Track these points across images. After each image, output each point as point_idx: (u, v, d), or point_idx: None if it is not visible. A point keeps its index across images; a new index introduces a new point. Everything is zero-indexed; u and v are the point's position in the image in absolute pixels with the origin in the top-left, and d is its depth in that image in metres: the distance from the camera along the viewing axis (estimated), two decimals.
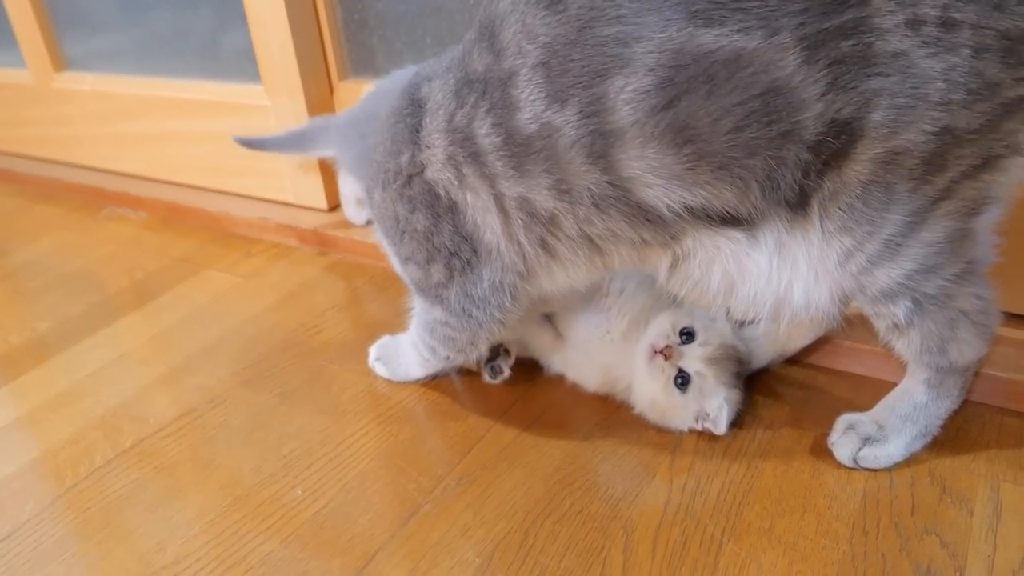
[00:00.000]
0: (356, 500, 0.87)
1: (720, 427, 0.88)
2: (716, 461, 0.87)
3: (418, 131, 0.82)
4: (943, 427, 0.85)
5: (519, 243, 0.80)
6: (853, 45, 0.62)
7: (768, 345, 0.97)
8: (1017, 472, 0.82)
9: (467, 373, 1.04)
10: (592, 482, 0.86)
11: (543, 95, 0.70)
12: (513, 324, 0.91)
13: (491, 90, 0.74)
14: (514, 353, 1.02)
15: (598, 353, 0.97)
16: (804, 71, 0.63)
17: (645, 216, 0.73)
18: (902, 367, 0.84)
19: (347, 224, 1.43)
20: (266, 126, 1.46)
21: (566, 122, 0.70)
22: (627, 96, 0.66)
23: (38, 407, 1.09)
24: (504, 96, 0.73)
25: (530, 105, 0.71)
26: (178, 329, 1.25)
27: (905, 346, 0.79)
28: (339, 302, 1.28)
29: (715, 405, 0.88)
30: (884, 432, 0.84)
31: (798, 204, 0.70)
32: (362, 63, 1.41)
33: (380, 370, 1.06)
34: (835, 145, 0.66)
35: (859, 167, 0.67)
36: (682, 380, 0.89)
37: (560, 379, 1.02)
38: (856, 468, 0.84)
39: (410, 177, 0.84)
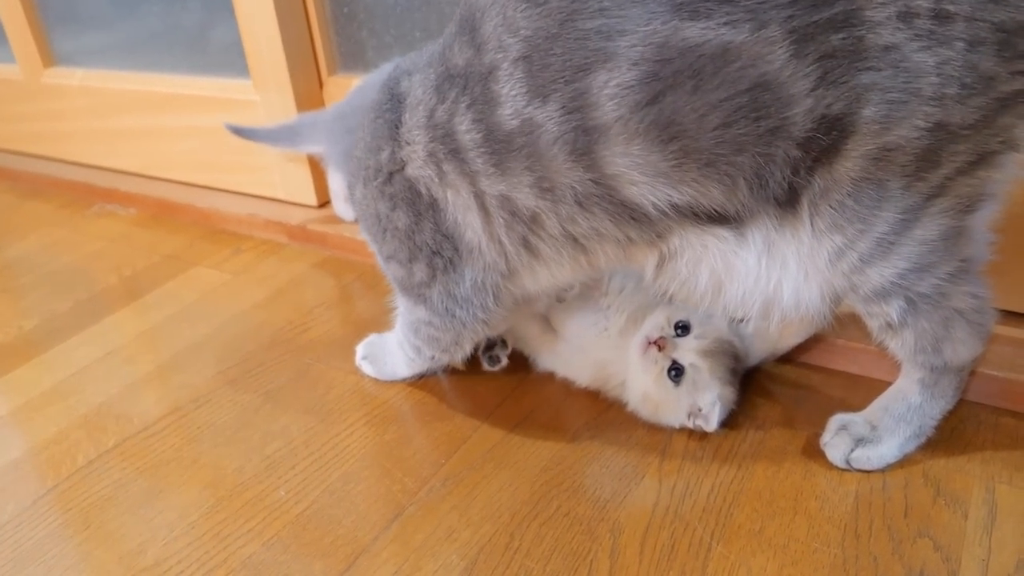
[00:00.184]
0: (340, 501, 0.86)
1: (711, 424, 0.87)
2: (706, 462, 0.86)
3: (398, 127, 0.81)
4: (937, 427, 0.83)
5: (501, 242, 0.79)
6: (843, 38, 0.60)
7: (760, 343, 0.96)
8: (1013, 473, 0.81)
9: (455, 372, 1.02)
10: (580, 483, 0.85)
11: (524, 90, 0.68)
12: (497, 324, 0.89)
13: (471, 85, 0.72)
14: (511, 343, 1.01)
15: (593, 349, 0.96)
16: (793, 65, 0.61)
17: (630, 214, 0.71)
18: (896, 366, 0.83)
19: (337, 220, 1.41)
20: (255, 121, 1.44)
21: (548, 118, 0.68)
22: (611, 91, 0.65)
23: (22, 406, 1.08)
24: (485, 91, 0.71)
25: (511, 101, 0.69)
26: (165, 327, 1.24)
27: (899, 346, 0.78)
28: (328, 299, 1.27)
29: (708, 400, 0.87)
30: (877, 433, 0.83)
31: (787, 202, 0.68)
32: (351, 57, 1.39)
33: (367, 369, 1.05)
34: (825, 141, 0.64)
35: (850, 164, 0.65)
36: (676, 372, 0.87)
37: (549, 378, 1.01)
38: (848, 469, 0.83)
39: (390, 174, 0.83)
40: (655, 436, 0.90)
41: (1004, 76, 0.61)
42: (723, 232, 0.71)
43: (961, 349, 0.76)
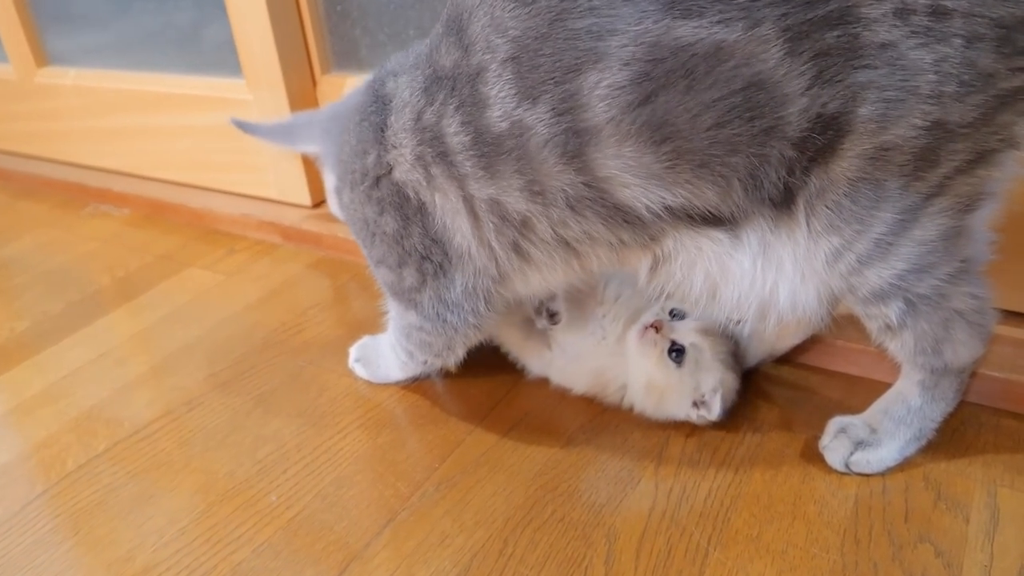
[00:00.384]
0: (331, 507, 0.84)
1: (714, 411, 0.85)
2: (703, 466, 0.85)
3: (383, 130, 0.79)
4: (938, 430, 0.82)
5: (491, 247, 0.78)
6: (839, 36, 0.59)
7: (757, 344, 0.95)
8: (1015, 476, 0.80)
9: (449, 375, 1.01)
10: (574, 488, 0.84)
11: (513, 92, 0.67)
12: (488, 328, 0.88)
13: (460, 87, 0.71)
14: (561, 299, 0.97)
15: (591, 357, 0.95)
16: (787, 64, 0.60)
17: (623, 217, 0.70)
18: (896, 368, 0.82)
19: (331, 221, 1.39)
20: (248, 119, 1.42)
21: (538, 120, 0.67)
22: (602, 92, 0.63)
23: (12, 409, 1.07)
24: (473, 93, 0.70)
25: (500, 102, 0.68)
26: (158, 328, 1.23)
27: (898, 347, 0.77)
28: (322, 300, 1.26)
29: (711, 384, 0.86)
30: (877, 436, 0.81)
31: (783, 203, 0.67)
32: (345, 56, 1.38)
33: (360, 371, 1.04)
34: (821, 141, 0.63)
35: (846, 164, 0.64)
36: (677, 353, 0.87)
37: (544, 382, 1.00)
38: (848, 473, 0.82)
39: (377, 178, 0.81)
40: (651, 440, 0.89)
41: (1003, 73, 0.60)
42: (718, 234, 0.70)
43: (961, 350, 0.75)
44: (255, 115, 1.42)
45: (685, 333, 0.88)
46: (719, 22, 0.59)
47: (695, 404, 0.87)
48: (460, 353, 0.92)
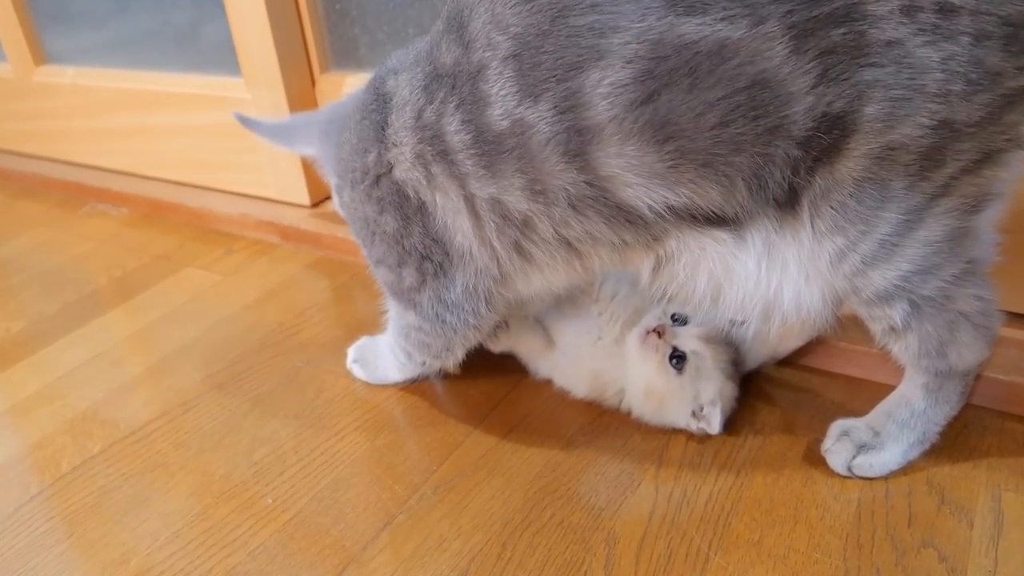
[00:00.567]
0: (328, 509, 0.84)
1: (714, 425, 0.85)
2: (704, 469, 0.84)
3: (384, 128, 0.79)
4: (942, 433, 0.81)
5: (492, 247, 0.77)
6: (845, 34, 0.58)
7: (759, 347, 0.94)
8: (1020, 480, 0.79)
9: (448, 376, 1.00)
10: (574, 491, 0.83)
11: (515, 90, 0.66)
12: (489, 329, 0.87)
13: (460, 85, 0.70)
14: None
15: (588, 359, 0.94)
16: (793, 62, 0.59)
17: (626, 217, 0.69)
18: (899, 370, 0.81)
19: (330, 220, 1.39)
20: None
21: (539, 118, 0.66)
22: (604, 90, 0.63)
23: (7, 410, 1.06)
24: (473, 91, 0.69)
25: (501, 100, 0.67)
26: (154, 329, 1.22)
27: (902, 350, 0.76)
28: (320, 301, 1.25)
29: (711, 394, 0.85)
30: (880, 439, 0.80)
31: (787, 203, 0.66)
32: (344, 55, 1.37)
33: (358, 372, 1.03)
34: (826, 141, 0.62)
35: (852, 163, 0.63)
36: (678, 359, 0.86)
37: (543, 383, 0.99)
38: (850, 477, 0.81)
39: (378, 177, 0.81)
40: (652, 442, 0.88)
41: (1011, 72, 0.59)
42: (721, 234, 0.69)
43: (966, 353, 0.74)
44: (253, 114, 1.40)
45: (687, 339, 0.87)
46: (723, 19, 0.58)
47: (694, 414, 0.86)
48: (459, 354, 0.91)
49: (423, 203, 0.78)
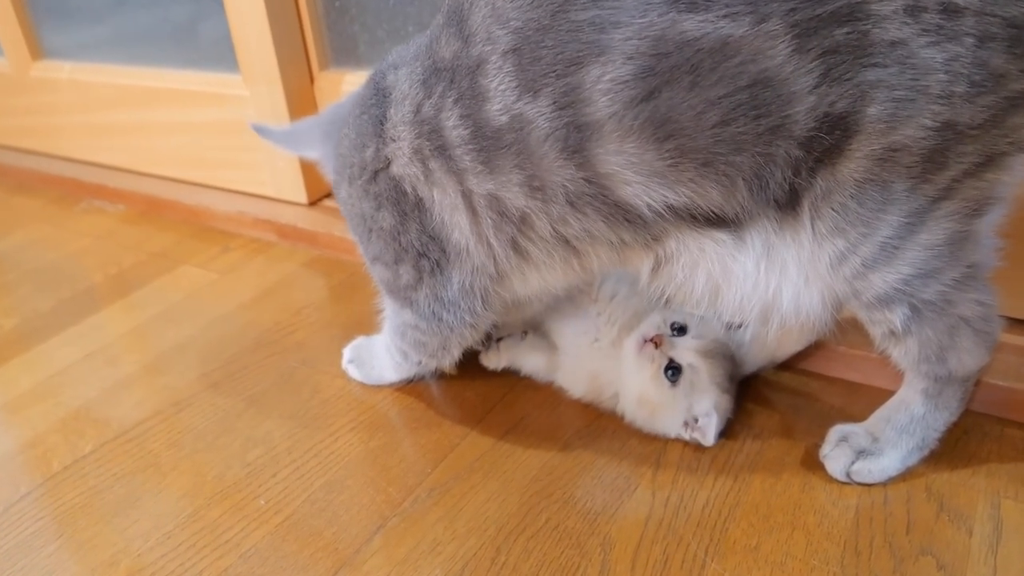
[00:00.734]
0: (321, 512, 0.83)
1: (708, 437, 0.84)
2: (701, 473, 0.83)
3: (383, 123, 0.78)
4: (941, 439, 0.80)
5: (489, 244, 0.76)
6: (848, 33, 0.57)
7: (758, 350, 0.93)
8: (1019, 488, 0.78)
9: (444, 377, 0.99)
10: (570, 494, 0.82)
11: (514, 84, 0.65)
12: (485, 328, 0.86)
13: (459, 79, 0.69)
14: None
15: (587, 360, 0.93)
16: (795, 61, 0.58)
17: (624, 216, 0.68)
18: (898, 375, 0.80)
19: (328, 219, 1.39)
20: (244, 116, 1.41)
21: (539, 114, 0.65)
22: (604, 86, 0.62)
23: None
24: (472, 85, 0.68)
25: (500, 95, 0.66)
26: (149, 327, 1.21)
27: (902, 354, 0.75)
28: (316, 300, 1.24)
29: (705, 407, 0.84)
30: (879, 445, 0.80)
31: (788, 204, 0.66)
32: (343, 52, 1.36)
33: (353, 372, 1.02)
34: (828, 141, 0.61)
35: (853, 164, 0.62)
36: (673, 372, 0.85)
37: (540, 385, 0.98)
38: (849, 482, 0.80)
39: (375, 172, 0.80)
40: (649, 446, 0.87)
41: (1015, 74, 0.59)
42: (721, 235, 0.69)
43: (967, 359, 0.74)
44: (251, 111, 1.41)
45: (684, 352, 0.86)
46: (726, 16, 0.58)
47: (686, 424, 0.85)
48: (455, 354, 0.90)
49: (420, 199, 0.77)
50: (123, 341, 1.18)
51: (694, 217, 0.68)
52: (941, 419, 0.79)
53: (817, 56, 0.58)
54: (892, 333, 0.73)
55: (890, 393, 0.83)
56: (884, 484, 0.80)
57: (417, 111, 0.74)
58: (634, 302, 0.93)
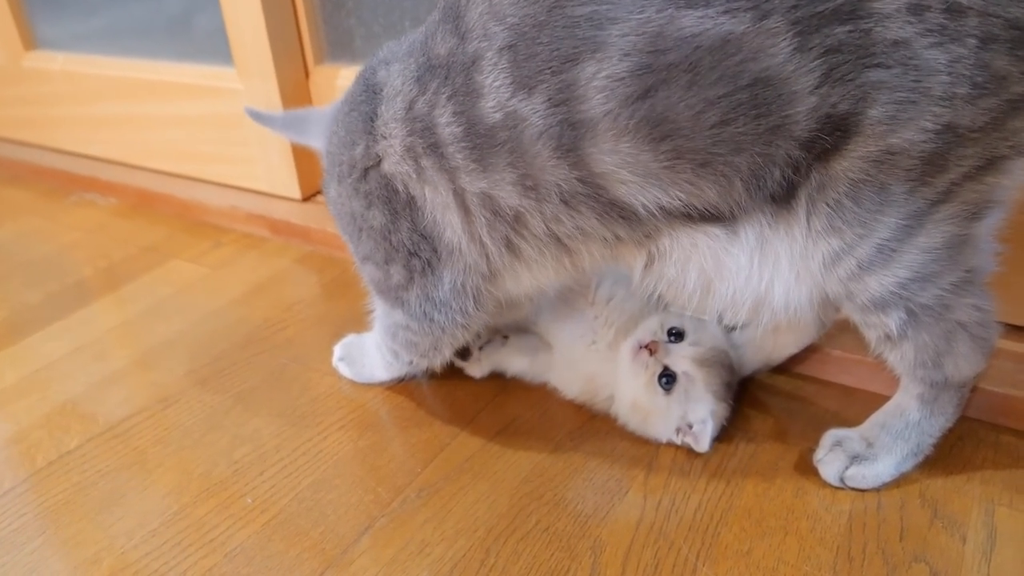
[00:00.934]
0: (308, 511, 0.81)
1: (702, 444, 0.83)
2: (694, 477, 0.82)
3: (373, 120, 0.76)
4: (936, 445, 0.80)
5: (482, 243, 0.75)
6: (850, 32, 0.56)
7: (753, 353, 0.92)
8: (1013, 495, 0.77)
9: (436, 376, 0.98)
10: (561, 496, 0.81)
11: (509, 81, 0.64)
12: (477, 329, 0.85)
13: (453, 75, 0.68)
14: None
15: (582, 362, 0.92)
16: (797, 60, 0.57)
17: (619, 213, 0.67)
18: (894, 379, 0.79)
19: (321, 215, 1.37)
20: (238, 110, 1.39)
21: (533, 111, 0.64)
22: (600, 83, 0.61)
23: None
24: (467, 82, 0.67)
25: (494, 92, 0.65)
26: (138, 322, 1.19)
27: (898, 359, 0.74)
28: (308, 297, 1.23)
29: (700, 415, 0.83)
30: (873, 450, 0.79)
31: (783, 197, 0.65)
32: (339, 47, 1.35)
33: (344, 370, 1.01)
34: (829, 142, 0.60)
35: (848, 163, 0.62)
36: (667, 379, 0.83)
37: (532, 386, 0.97)
38: (842, 488, 0.79)
39: (365, 170, 0.78)
40: (641, 448, 0.86)
41: (1016, 76, 0.58)
42: (714, 230, 0.68)
43: (963, 364, 0.73)
44: (246, 105, 1.39)
45: (679, 359, 0.85)
46: (726, 12, 0.57)
47: (679, 430, 0.84)
48: (447, 354, 0.89)
49: (412, 197, 0.76)
50: (111, 336, 1.16)
51: (688, 215, 0.67)
52: (936, 425, 0.78)
53: (819, 55, 0.57)
54: (888, 337, 0.72)
55: (885, 398, 0.82)
56: (878, 490, 0.79)
57: (410, 108, 0.72)
58: (631, 304, 0.92)
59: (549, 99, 0.63)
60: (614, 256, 0.74)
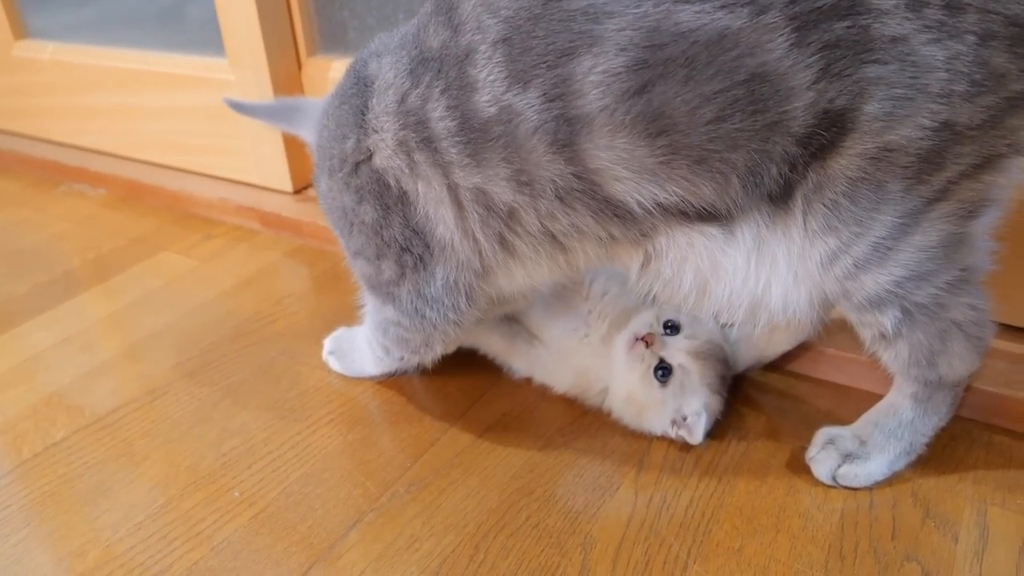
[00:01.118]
0: (296, 505, 0.81)
1: (696, 436, 0.82)
2: (685, 474, 0.82)
3: (364, 113, 0.75)
4: (929, 444, 0.79)
5: (475, 239, 0.74)
6: (848, 27, 0.56)
7: (746, 350, 0.92)
8: (1005, 495, 0.77)
9: (426, 370, 0.97)
10: (551, 493, 0.81)
11: (503, 75, 0.64)
12: (469, 326, 0.84)
13: (447, 69, 0.67)
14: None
15: (574, 356, 0.91)
16: (794, 55, 0.57)
17: (614, 211, 0.67)
18: (887, 378, 0.79)
19: (313, 208, 1.36)
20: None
21: (528, 106, 0.63)
22: (595, 78, 0.60)
23: None
24: (460, 76, 0.66)
25: (489, 86, 0.64)
26: (126, 314, 1.18)
27: (892, 358, 0.74)
28: (298, 290, 1.22)
29: (694, 407, 0.83)
30: (866, 448, 0.79)
31: (781, 197, 0.64)
32: (332, 38, 1.34)
33: (334, 364, 1.00)
34: (826, 138, 0.60)
35: (845, 161, 0.61)
36: (663, 372, 0.83)
37: (523, 381, 0.96)
38: (835, 486, 0.79)
39: (356, 164, 0.77)
40: (633, 445, 0.86)
41: (1015, 74, 0.58)
42: (711, 229, 0.67)
43: (957, 364, 0.73)
44: (236, 96, 1.37)
45: (675, 352, 0.84)
46: (723, 7, 0.56)
47: (674, 422, 0.84)
48: (438, 350, 0.88)
49: (404, 192, 0.75)
50: (99, 327, 1.15)
51: (685, 213, 0.66)
52: (930, 424, 0.78)
53: (817, 51, 0.56)
54: (882, 336, 0.72)
55: (878, 397, 0.82)
56: (870, 489, 0.79)
57: (402, 101, 0.71)
58: (624, 300, 0.91)
59: (544, 94, 0.62)
60: (610, 255, 0.73)
